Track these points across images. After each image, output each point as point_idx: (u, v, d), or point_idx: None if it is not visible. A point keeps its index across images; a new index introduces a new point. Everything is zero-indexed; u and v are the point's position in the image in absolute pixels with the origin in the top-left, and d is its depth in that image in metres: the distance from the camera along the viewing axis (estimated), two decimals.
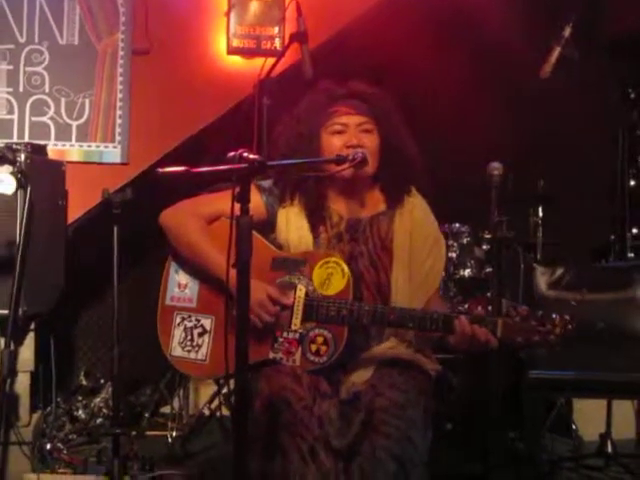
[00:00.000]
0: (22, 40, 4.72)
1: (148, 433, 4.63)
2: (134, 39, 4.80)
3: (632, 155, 5.00)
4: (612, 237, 5.00)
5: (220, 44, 4.93)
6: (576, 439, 4.54)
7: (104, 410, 4.60)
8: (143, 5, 4.80)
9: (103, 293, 5.06)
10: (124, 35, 4.78)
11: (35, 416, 4.10)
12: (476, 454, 4.02)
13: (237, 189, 2.29)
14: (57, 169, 4.15)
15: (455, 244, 4.42)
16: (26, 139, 4.58)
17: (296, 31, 4.10)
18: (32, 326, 4.00)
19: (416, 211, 3.03)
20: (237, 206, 2.29)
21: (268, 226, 2.98)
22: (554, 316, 2.65)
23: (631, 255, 4.85)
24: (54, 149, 4.61)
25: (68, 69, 4.74)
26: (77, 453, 4.21)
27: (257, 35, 4.91)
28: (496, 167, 3.64)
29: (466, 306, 4.30)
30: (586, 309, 3.82)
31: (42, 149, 4.11)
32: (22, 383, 3.95)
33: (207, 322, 2.92)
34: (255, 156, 2.31)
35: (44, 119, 4.72)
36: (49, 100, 4.72)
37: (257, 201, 2.92)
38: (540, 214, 4.70)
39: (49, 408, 4.28)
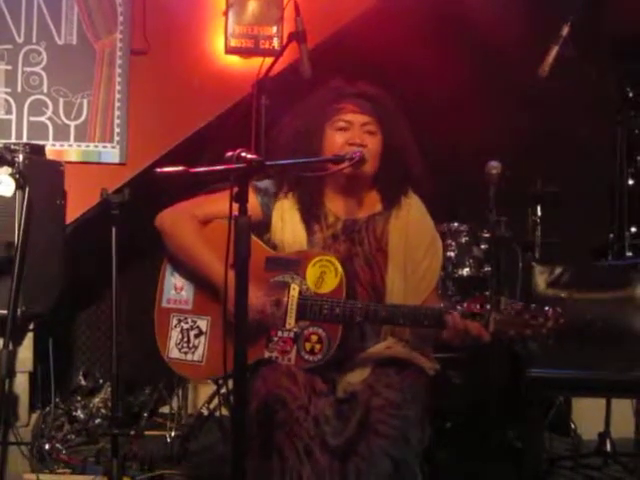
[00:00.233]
0: (20, 40, 4.71)
1: (147, 433, 4.62)
2: (132, 39, 4.80)
3: (631, 154, 5.00)
4: (611, 236, 5.00)
5: (218, 44, 4.93)
6: (575, 438, 4.54)
7: (103, 410, 4.60)
8: (141, 5, 4.79)
9: (102, 293, 5.07)
10: (122, 35, 4.77)
11: (34, 416, 4.11)
12: (475, 453, 4.03)
13: (235, 189, 2.29)
14: (55, 169, 4.15)
15: (454, 243, 4.42)
16: (24, 139, 4.58)
17: (294, 30, 4.09)
18: (31, 326, 4.01)
19: (412, 212, 3.04)
20: (235, 206, 2.29)
21: (263, 227, 2.99)
22: (547, 309, 2.66)
23: (630, 254, 4.85)
24: (52, 149, 4.60)
25: (66, 69, 4.74)
26: (76, 453, 4.21)
27: (255, 35, 4.90)
28: (495, 166, 3.66)
29: (465, 305, 4.30)
30: (584, 308, 3.82)
31: (40, 149, 4.11)
32: (21, 383, 3.95)
33: (203, 323, 2.93)
34: (253, 156, 2.31)
35: (42, 119, 4.71)
36: (47, 100, 4.71)
37: (252, 201, 2.92)
38: (539, 213, 4.70)
39: (48, 408, 4.28)
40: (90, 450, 4.27)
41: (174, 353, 2.96)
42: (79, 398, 4.72)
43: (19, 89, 4.71)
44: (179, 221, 2.98)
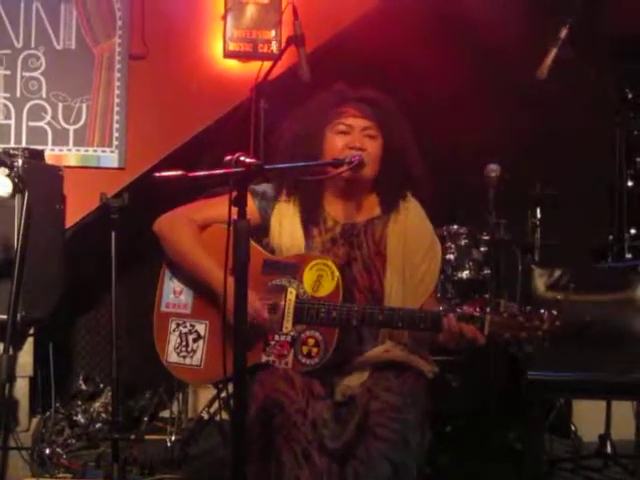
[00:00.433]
0: (19, 45, 4.71)
1: (147, 437, 4.62)
2: (131, 43, 4.80)
3: (630, 156, 5.00)
4: (610, 238, 5.00)
5: (217, 48, 4.93)
6: (575, 440, 4.55)
7: (103, 415, 4.60)
8: (139, 9, 4.79)
9: (101, 297, 5.07)
10: (121, 39, 4.77)
11: (34, 421, 4.11)
12: (476, 455, 4.03)
13: (234, 193, 2.29)
14: (55, 174, 4.16)
15: (453, 246, 4.42)
16: (23, 144, 4.59)
17: (293, 34, 4.10)
18: (31, 331, 4.01)
19: (410, 216, 3.04)
20: (233, 210, 2.29)
21: (261, 231, 2.99)
22: (542, 312, 2.66)
23: (629, 256, 4.84)
24: (51, 154, 4.61)
25: (65, 74, 4.74)
26: (76, 458, 4.21)
27: (254, 39, 4.91)
28: (494, 169, 3.66)
29: (464, 308, 4.29)
30: (584, 310, 3.82)
31: (39, 154, 4.11)
32: (21, 388, 3.96)
33: (201, 327, 2.93)
34: (252, 160, 2.31)
35: (41, 124, 4.72)
36: (46, 105, 4.72)
37: (251, 205, 2.92)
38: (538, 215, 4.70)
39: (48, 413, 4.28)
40: (90, 454, 4.27)
41: (173, 357, 2.97)
42: (79, 403, 4.72)
43: (18, 94, 4.72)
44: (177, 225, 2.98)
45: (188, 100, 4.83)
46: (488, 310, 2.72)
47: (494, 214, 3.73)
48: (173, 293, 3.01)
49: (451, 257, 4.39)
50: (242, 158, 2.30)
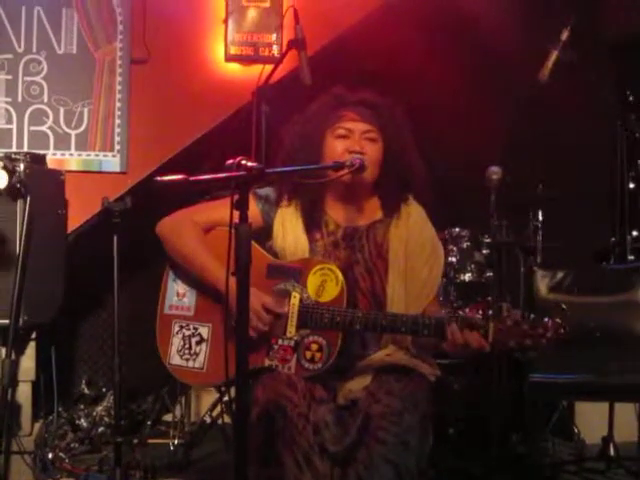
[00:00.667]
0: (20, 50, 4.72)
1: (150, 441, 4.63)
2: (132, 48, 4.81)
3: (631, 158, 5.00)
4: (612, 240, 5.00)
5: (218, 51, 4.94)
6: (578, 442, 4.54)
7: (106, 419, 4.59)
8: (141, 14, 4.80)
9: (103, 301, 5.07)
10: (122, 44, 4.78)
11: (37, 425, 4.11)
12: (478, 458, 4.02)
13: (236, 197, 2.29)
14: (56, 178, 4.16)
15: (455, 248, 4.42)
16: (25, 149, 4.59)
17: (294, 38, 4.10)
18: (33, 335, 4.01)
19: (412, 219, 3.03)
20: (235, 214, 2.29)
21: (264, 234, 2.99)
22: (546, 320, 2.66)
23: (631, 258, 4.85)
24: (53, 158, 4.61)
25: (66, 78, 4.75)
26: (79, 462, 4.21)
27: (255, 42, 4.91)
28: (495, 171, 3.65)
29: (467, 310, 4.29)
30: (587, 312, 3.82)
31: (41, 158, 4.11)
32: (24, 392, 3.96)
33: (204, 330, 2.93)
34: (253, 164, 2.31)
35: (43, 128, 4.72)
36: (48, 110, 4.72)
37: (253, 209, 2.94)
38: (540, 217, 4.70)
39: (51, 417, 4.28)
40: (93, 459, 4.27)
41: (175, 360, 2.96)
42: (82, 407, 4.72)
43: (19, 99, 4.72)
44: (180, 228, 2.98)
45: (190, 104, 4.83)
46: (492, 317, 2.71)
47: (496, 216, 3.72)
48: (176, 295, 3.00)
49: (453, 260, 4.39)
50: (243, 162, 2.30)
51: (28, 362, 3.98)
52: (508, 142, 5.12)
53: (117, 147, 4.75)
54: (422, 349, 2.93)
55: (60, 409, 4.42)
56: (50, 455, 4.09)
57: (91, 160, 4.75)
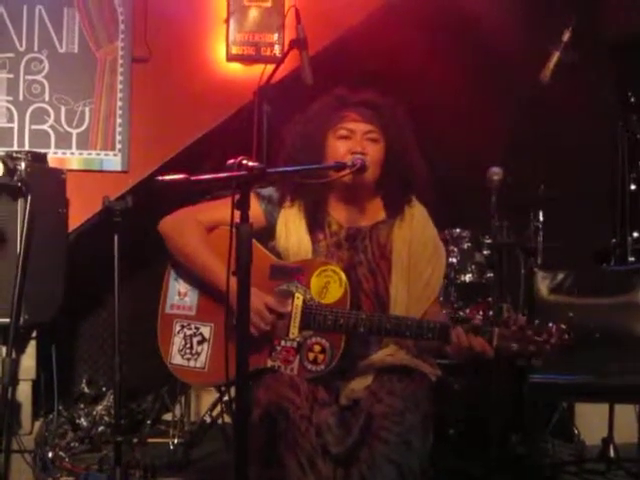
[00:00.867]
0: (22, 49, 4.72)
1: (150, 440, 4.63)
2: (133, 47, 4.80)
3: (632, 159, 5.00)
4: (613, 241, 5.00)
5: (219, 51, 4.93)
6: (578, 443, 4.54)
7: (106, 418, 4.59)
8: (142, 13, 4.80)
9: (104, 300, 5.06)
10: (123, 43, 4.78)
11: (37, 424, 4.11)
12: (478, 458, 4.02)
13: (237, 197, 2.29)
14: (57, 177, 4.16)
15: (456, 249, 4.42)
16: (26, 147, 4.58)
17: (295, 38, 4.10)
18: (33, 334, 4.01)
19: (415, 220, 3.03)
20: (237, 214, 2.29)
21: (267, 234, 2.99)
22: (550, 325, 2.65)
23: (632, 259, 4.84)
24: (54, 157, 4.61)
25: (68, 77, 4.74)
26: (79, 461, 4.21)
27: (256, 42, 4.91)
28: (496, 172, 3.65)
29: (467, 311, 4.30)
30: (587, 313, 3.82)
31: (42, 157, 4.11)
32: (24, 391, 3.96)
33: (206, 330, 2.93)
34: (255, 163, 2.31)
35: (44, 127, 4.72)
36: (49, 108, 4.72)
37: (256, 209, 2.94)
38: (541, 218, 4.70)
39: (51, 416, 4.28)
40: (93, 458, 4.26)
41: (177, 359, 2.96)
42: (82, 406, 4.72)
43: (21, 97, 4.72)
44: (183, 226, 2.98)
45: (191, 103, 4.83)
46: (496, 322, 2.71)
47: (497, 217, 3.72)
48: (178, 295, 3.00)
49: (454, 260, 4.40)
50: (244, 162, 2.30)
51: (28, 361, 3.98)
52: (509, 143, 5.12)
53: (118, 146, 4.75)
54: (423, 350, 2.93)
55: (60, 408, 4.42)
56: (50, 454, 4.09)
57: (92, 159, 4.74)
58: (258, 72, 4.35)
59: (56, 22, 4.75)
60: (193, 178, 2.33)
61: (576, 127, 5.18)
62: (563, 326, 2.65)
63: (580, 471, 4.20)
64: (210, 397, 4.79)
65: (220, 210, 2.93)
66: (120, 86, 4.77)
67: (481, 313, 4.23)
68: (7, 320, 3.70)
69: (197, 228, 2.96)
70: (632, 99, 4.99)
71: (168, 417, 4.82)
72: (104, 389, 4.86)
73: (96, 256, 4.37)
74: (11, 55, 4.71)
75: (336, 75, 3.50)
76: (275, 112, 4.06)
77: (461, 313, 4.28)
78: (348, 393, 2.81)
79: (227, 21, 4.91)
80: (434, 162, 3.12)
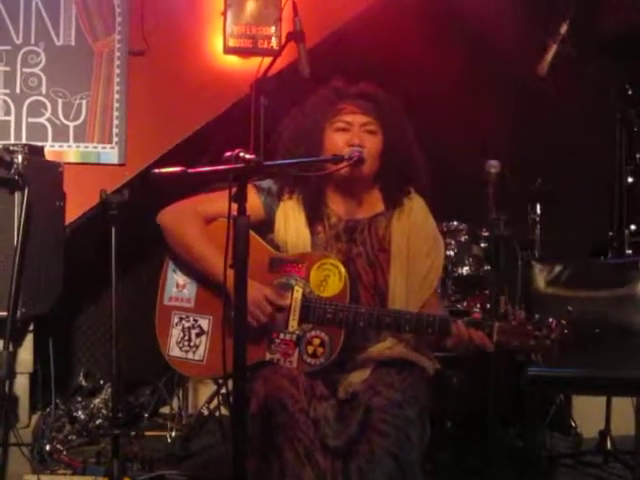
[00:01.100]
0: (18, 41, 4.71)
1: (147, 433, 4.63)
2: (130, 40, 4.79)
3: (630, 152, 5.00)
4: (610, 234, 5.00)
5: (216, 44, 4.92)
6: (575, 436, 4.55)
7: (103, 411, 4.59)
8: (139, 6, 4.78)
9: (101, 294, 5.06)
10: (120, 36, 4.77)
11: (34, 417, 4.11)
12: (475, 451, 4.03)
13: (234, 189, 2.29)
14: (54, 170, 4.15)
15: (453, 242, 4.42)
16: (23, 140, 4.58)
17: (293, 30, 4.10)
18: (31, 327, 4.00)
19: (414, 212, 3.03)
20: (234, 206, 2.29)
21: (266, 227, 2.98)
22: (550, 320, 2.65)
23: (629, 252, 4.84)
24: (51, 150, 4.60)
25: (65, 70, 4.73)
26: (77, 454, 4.21)
27: (254, 35, 4.90)
28: (494, 165, 3.64)
29: (465, 304, 4.30)
30: (585, 306, 3.82)
31: (39, 150, 4.10)
32: (21, 384, 3.95)
33: (204, 322, 2.92)
34: (252, 156, 2.30)
35: (41, 120, 4.71)
36: (46, 101, 4.71)
37: (255, 202, 2.94)
38: (538, 211, 4.70)
39: (48, 409, 4.29)
40: (91, 451, 4.27)
41: (175, 351, 2.95)
42: (80, 399, 4.72)
43: (18, 90, 4.71)
44: (182, 217, 2.97)
45: (188, 96, 4.82)
46: (496, 316, 2.71)
47: (494, 210, 3.72)
48: (176, 286, 2.99)
49: (451, 253, 4.40)
50: (242, 154, 2.29)
51: (26, 354, 3.97)
52: (507, 135, 5.11)
53: (115, 139, 4.74)
54: (422, 343, 2.93)
55: (58, 401, 4.43)
56: (48, 447, 4.10)
57: (89, 152, 4.74)
58: (255, 65, 4.36)
59: (53, 15, 4.73)
60: (190, 170, 2.33)
61: (574, 120, 5.17)
62: (563, 321, 2.65)
63: (577, 463, 4.22)
64: (208, 390, 4.79)
65: (219, 202, 2.91)
66: (117, 79, 4.76)
67: (478, 306, 4.24)
68: (4, 313, 3.69)
69: (196, 219, 2.96)
70: (630, 92, 4.98)
71: (166, 410, 4.83)
72: (102, 382, 4.86)
73: (93, 249, 4.36)
74: (8, 48, 4.70)
75: (334, 68, 3.49)
76: (272, 105, 4.06)
77: (458, 306, 4.28)
78: (346, 386, 2.80)
79: (224, 13, 4.90)
80: (432, 154, 3.12)
